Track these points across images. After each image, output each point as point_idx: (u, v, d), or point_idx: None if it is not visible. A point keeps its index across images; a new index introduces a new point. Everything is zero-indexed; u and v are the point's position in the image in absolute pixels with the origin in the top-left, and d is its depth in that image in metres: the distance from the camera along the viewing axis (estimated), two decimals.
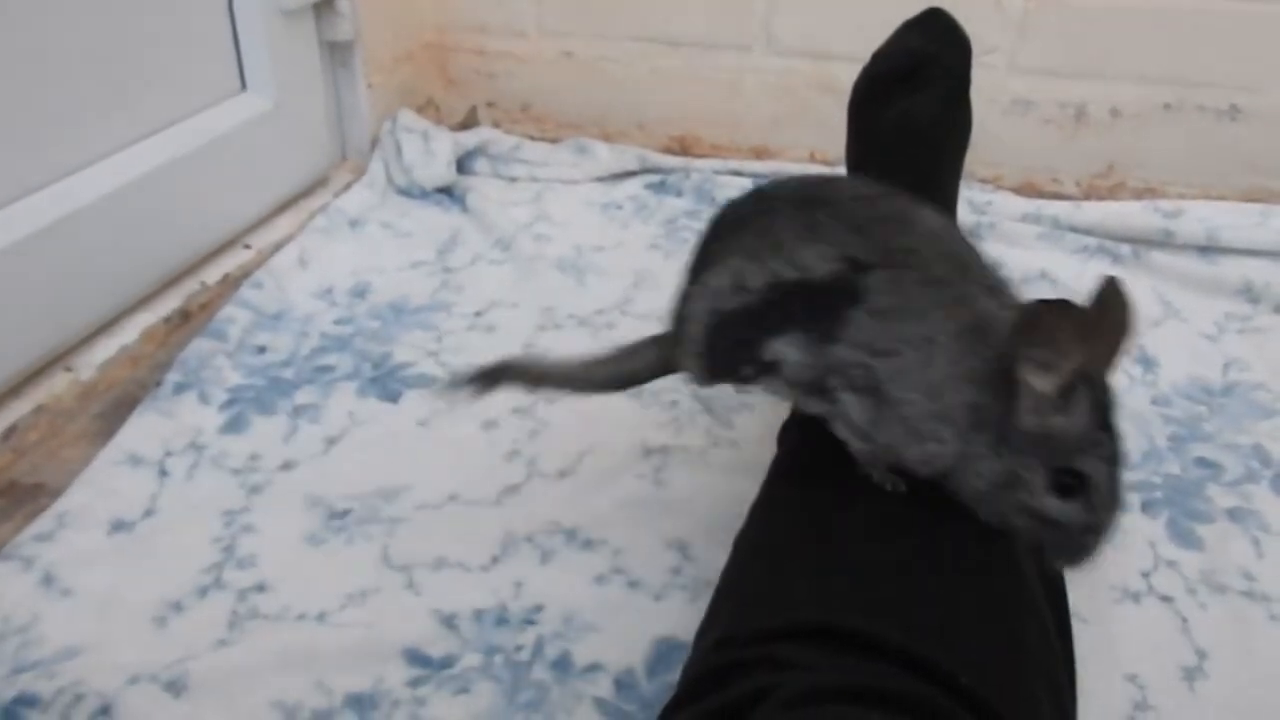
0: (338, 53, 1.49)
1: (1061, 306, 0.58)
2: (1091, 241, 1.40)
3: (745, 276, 0.70)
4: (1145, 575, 0.89)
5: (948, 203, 1.07)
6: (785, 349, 0.70)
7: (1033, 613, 0.65)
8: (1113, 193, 1.59)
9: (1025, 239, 1.42)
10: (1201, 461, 1.03)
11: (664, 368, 0.81)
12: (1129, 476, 1.00)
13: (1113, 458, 0.62)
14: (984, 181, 1.62)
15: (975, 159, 1.60)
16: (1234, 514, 0.96)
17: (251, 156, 1.30)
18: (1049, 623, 0.66)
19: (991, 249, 1.35)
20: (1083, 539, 0.63)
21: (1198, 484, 0.99)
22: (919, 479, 0.68)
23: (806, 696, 0.54)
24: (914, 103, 1.09)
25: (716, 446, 1.02)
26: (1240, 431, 1.07)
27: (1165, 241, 1.40)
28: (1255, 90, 1.50)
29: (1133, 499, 0.97)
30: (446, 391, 0.86)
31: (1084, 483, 0.62)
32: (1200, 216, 1.41)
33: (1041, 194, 1.59)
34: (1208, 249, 1.39)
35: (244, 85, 1.32)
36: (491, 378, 0.83)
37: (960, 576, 0.65)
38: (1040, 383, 0.61)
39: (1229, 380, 1.15)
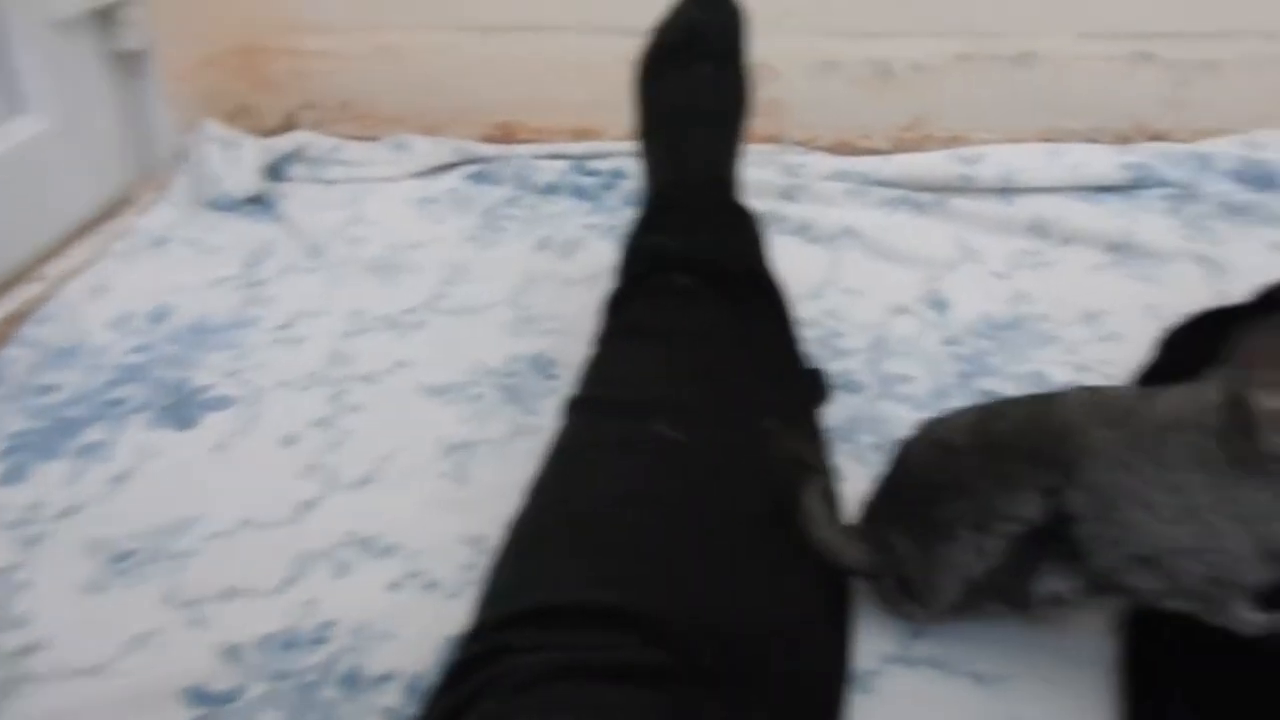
0: (128, 63, 1.44)
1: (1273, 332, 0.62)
2: (897, 194, 1.45)
3: (983, 544, 0.71)
4: None
5: (731, 171, 1.09)
6: (1055, 585, 0.71)
7: (786, 573, 0.67)
8: (921, 144, 1.63)
9: (834, 196, 1.45)
10: (986, 394, 1.07)
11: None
12: (920, 415, 1.04)
13: None
14: (800, 144, 1.65)
15: (790, 122, 1.64)
16: None
17: (33, 181, 1.26)
18: (812, 597, 0.68)
19: (803, 210, 1.39)
20: None
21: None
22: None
23: (535, 678, 0.54)
24: (692, 74, 1.11)
25: (521, 435, 1.03)
26: (1023, 361, 1.12)
27: (965, 187, 1.45)
28: (1041, 36, 1.55)
29: None
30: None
31: None
32: (998, 160, 1.47)
33: (855, 151, 1.63)
34: (1006, 190, 1.44)
35: (18, 105, 1.27)
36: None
37: (710, 550, 0.66)
38: (1273, 402, 0.62)
39: (1016, 314, 1.20)
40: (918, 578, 0.75)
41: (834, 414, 1.05)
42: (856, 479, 0.96)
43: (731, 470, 0.74)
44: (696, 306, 0.91)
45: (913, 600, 0.76)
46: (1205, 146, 1.52)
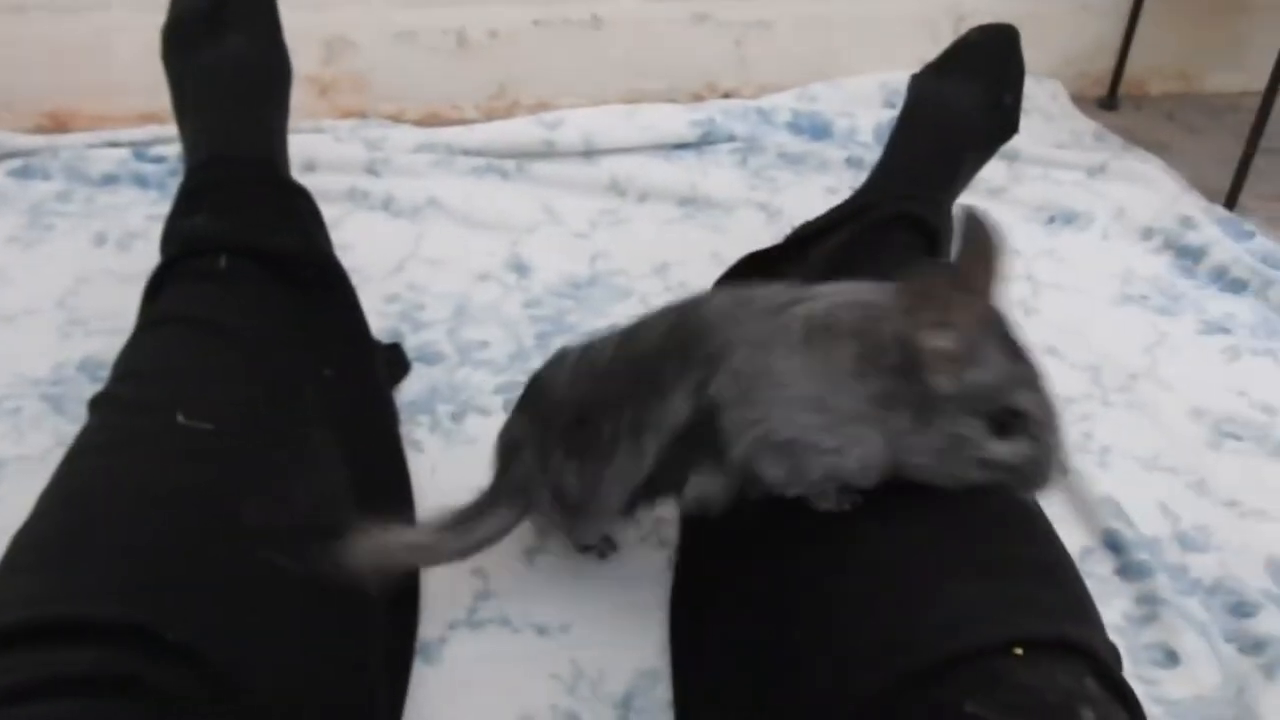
0: None
1: (932, 274, 0.62)
2: (481, 162, 1.44)
3: (641, 452, 0.70)
4: None
5: (275, 147, 1.04)
6: (704, 483, 0.70)
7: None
8: (510, 112, 1.65)
9: (420, 169, 1.43)
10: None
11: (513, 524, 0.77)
12: (498, 379, 1.05)
13: (1034, 382, 0.64)
14: (389, 118, 1.61)
15: (377, 96, 1.60)
16: None
17: None
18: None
19: (387, 184, 1.35)
20: (1037, 467, 0.65)
21: None
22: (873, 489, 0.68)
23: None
24: (223, 46, 1.04)
25: (62, 447, 0.93)
26: (600, 316, 1.15)
27: (548, 152, 1.47)
28: (612, 0, 1.60)
29: (496, 401, 1.01)
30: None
31: (1020, 416, 0.64)
32: (578, 124, 1.50)
33: (445, 122, 1.61)
34: (589, 153, 1.48)
35: None
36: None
37: (209, 559, 0.61)
38: (942, 342, 0.62)
39: (594, 271, 1.23)
40: (580, 500, 0.74)
41: (412, 386, 1.03)
42: (434, 450, 0.95)
43: (264, 464, 0.70)
44: (238, 289, 0.86)
45: (573, 517, 0.76)
46: (766, 102, 1.63)
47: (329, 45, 1.58)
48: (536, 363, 1.06)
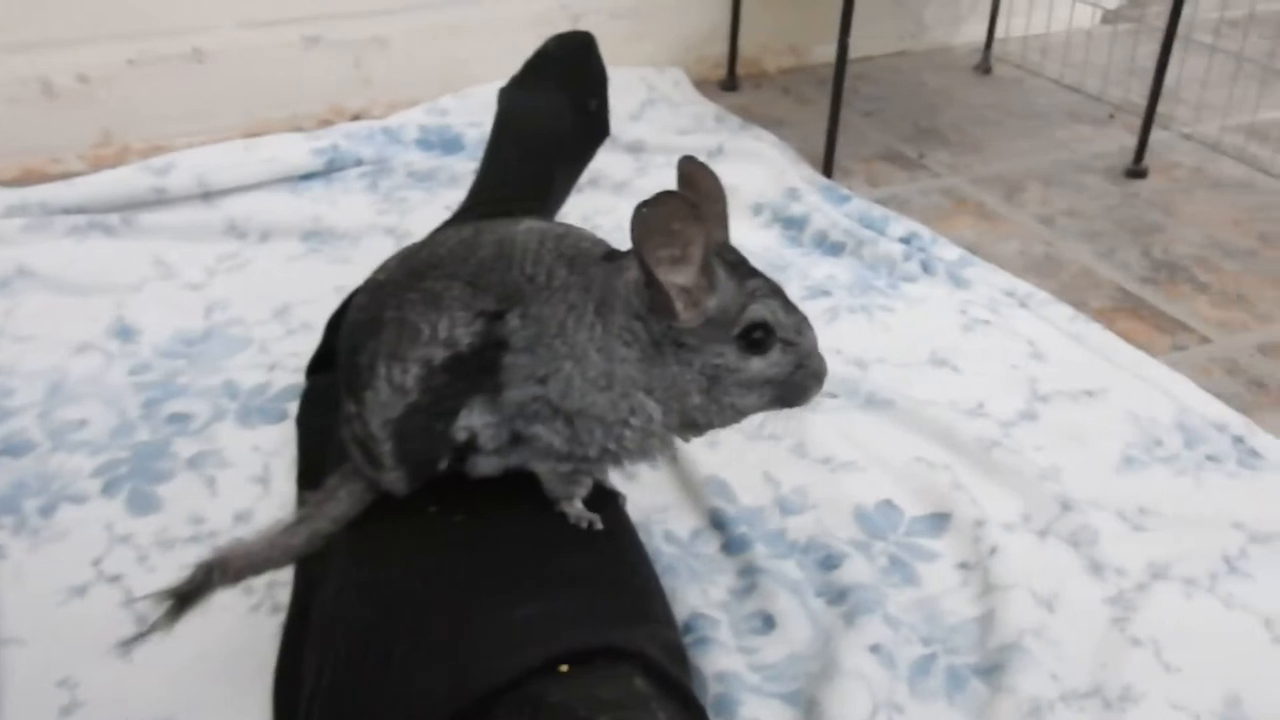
0: None
1: (661, 199, 0.60)
2: (82, 220, 1.35)
3: (399, 377, 0.67)
4: (96, 563, 0.87)
5: None
6: (472, 420, 0.68)
7: None
8: (121, 158, 1.55)
9: (9, 235, 1.31)
10: (173, 418, 1.03)
11: (365, 495, 0.73)
12: (96, 460, 0.98)
13: (770, 294, 0.66)
14: None
15: None
16: (195, 461, 0.98)
17: None
18: None
19: None
20: (804, 372, 0.66)
21: (165, 443, 1.00)
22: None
23: None
24: None
25: None
26: (214, 373, 1.10)
27: (160, 200, 1.39)
28: (203, 32, 1.53)
29: (94, 485, 0.95)
30: (149, 626, 0.68)
31: (765, 328, 0.65)
32: (191, 165, 1.43)
33: (47, 178, 1.49)
34: (208, 195, 1.41)
35: None
36: (196, 593, 0.69)
37: None
38: (680, 277, 0.62)
39: (210, 324, 1.18)
40: (363, 435, 0.70)
41: None
42: (17, 552, 0.88)
43: None
44: None
45: (373, 466, 0.71)
46: (394, 120, 1.61)
47: None
48: (144, 435, 1.02)
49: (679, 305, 0.64)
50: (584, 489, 0.73)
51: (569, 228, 0.73)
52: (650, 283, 0.63)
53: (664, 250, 0.62)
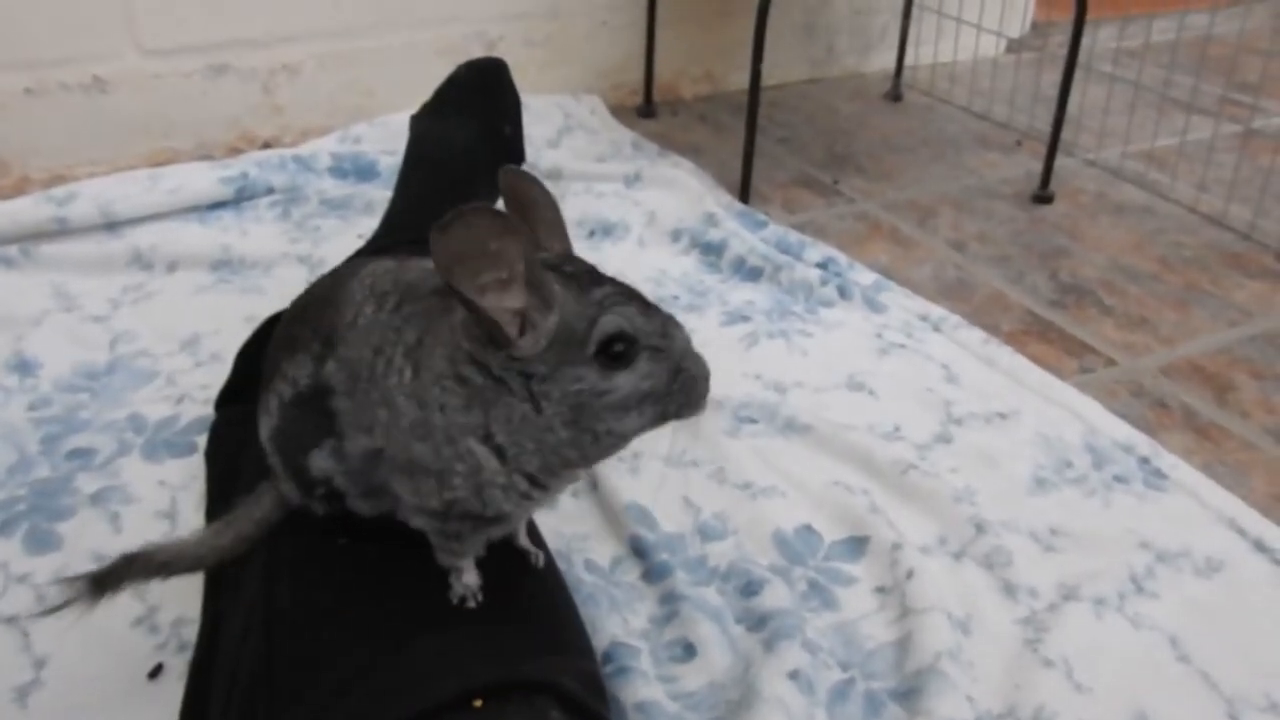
0: None
1: (465, 217, 0.52)
2: None
3: (270, 401, 0.67)
4: None
5: None
6: (323, 464, 0.65)
7: None
8: (20, 189, 1.50)
9: None
10: (75, 453, 1.00)
11: (280, 507, 0.72)
12: None
13: (623, 296, 0.58)
14: None
15: None
16: (98, 497, 0.95)
17: None
18: None
19: None
20: (685, 376, 0.58)
21: (66, 479, 0.97)
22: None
23: None
24: None
25: None
26: (120, 406, 1.07)
27: (61, 231, 1.34)
28: (104, 60, 1.49)
29: None
30: (62, 607, 0.67)
31: (627, 338, 0.57)
32: (94, 195, 1.38)
33: None
34: (113, 225, 1.37)
35: None
36: (112, 579, 0.68)
37: None
38: (508, 300, 0.55)
39: (114, 356, 1.15)
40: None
41: None
42: None
43: None
44: None
45: (273, 473, 0.72)
46: (306, 148, 1.59)
47: None
48: (44, 471, 0.98)
49: (512, 332, 0.56)
50: (473, 548, 0.66)
51: (411, 262, 0.66)
52: (474, 313, 0.56)
53: (484, 274, 0.54)
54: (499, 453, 0.59)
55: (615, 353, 0.57)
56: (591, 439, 0.59)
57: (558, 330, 0.57)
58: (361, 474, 0.65)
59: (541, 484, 0.61)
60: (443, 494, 0.61)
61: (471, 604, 0.65)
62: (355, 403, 0.62)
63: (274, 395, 0.68)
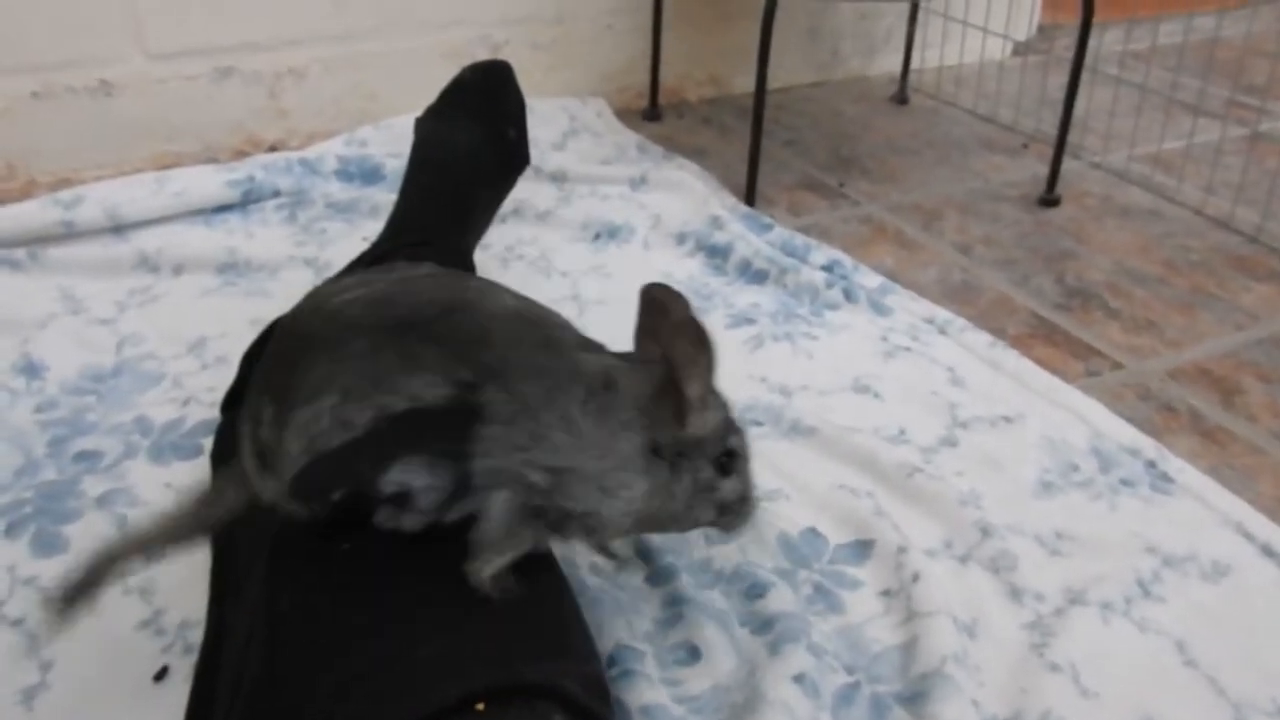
0: None
1: (698, 320, 0.65)
2: None
3: (352, 414, 0.64)
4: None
5: None
6: (408, 477, 0.65)
7: None
8: (27, 192, 1.50)
9: None
10: (81, 456, 1.00)
11: (248, 501, 0.71)
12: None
13: (737, 423, 0.72)
14: None
15: None
16: (104, 499, 0.95)
17: None
18: None
19: None
20: (747, 502, 0.74)
21: (73, 482, 0.97)
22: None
23: None
24: None
25: None
26: (126, 408, 1.07)
27: (68, 234, 1.35)
28: (110, 64, 1.50)
29: None
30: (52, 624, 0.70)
31: (736, 456, 0.72)
32: (100, 198, 1.39)
33: None
34: (119, 228, 1.37)
35: None
36: (89, 583, 0.70)
37: None
38: (695, 390, 0.67)
39: (121, 359, 1.15)
40: (271, 443, 0.67)
41: None
42: None
43: None
44: None
45: (264, 469, 0.68)
46: (312, 152, 1.59)
47: None
48: (50, 473, 0.98)
49: (691, 417, 0.68)
50: (523, 546, 0.69)
51: (537, 309, 0.73)
52: (671, 389, 0.67)
53: (695, 364, 0.67)
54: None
55: (723, 463, 0.71)
56: (688, 517, 0.72)
57: (709, 429, 0.70)
58: (467, 492, 0.67)
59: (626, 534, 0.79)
60: (587, 504, 0.69)
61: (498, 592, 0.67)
62: (517, 427, 0.66)
63: (368, 408, 0.65)
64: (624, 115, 1.86)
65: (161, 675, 0.78)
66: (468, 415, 0.65)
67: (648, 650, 0.82)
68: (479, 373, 0.66)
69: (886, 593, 0.89)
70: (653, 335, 0.71)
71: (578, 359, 0.69)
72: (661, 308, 0.69)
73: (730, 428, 0.71)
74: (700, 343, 0.66)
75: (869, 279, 1.36)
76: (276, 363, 0.70)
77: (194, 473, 0.98)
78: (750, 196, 1.56)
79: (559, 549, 0.80)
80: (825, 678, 0.80)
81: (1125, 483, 1.03)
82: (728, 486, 0.72)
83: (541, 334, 0.70)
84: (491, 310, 0.70)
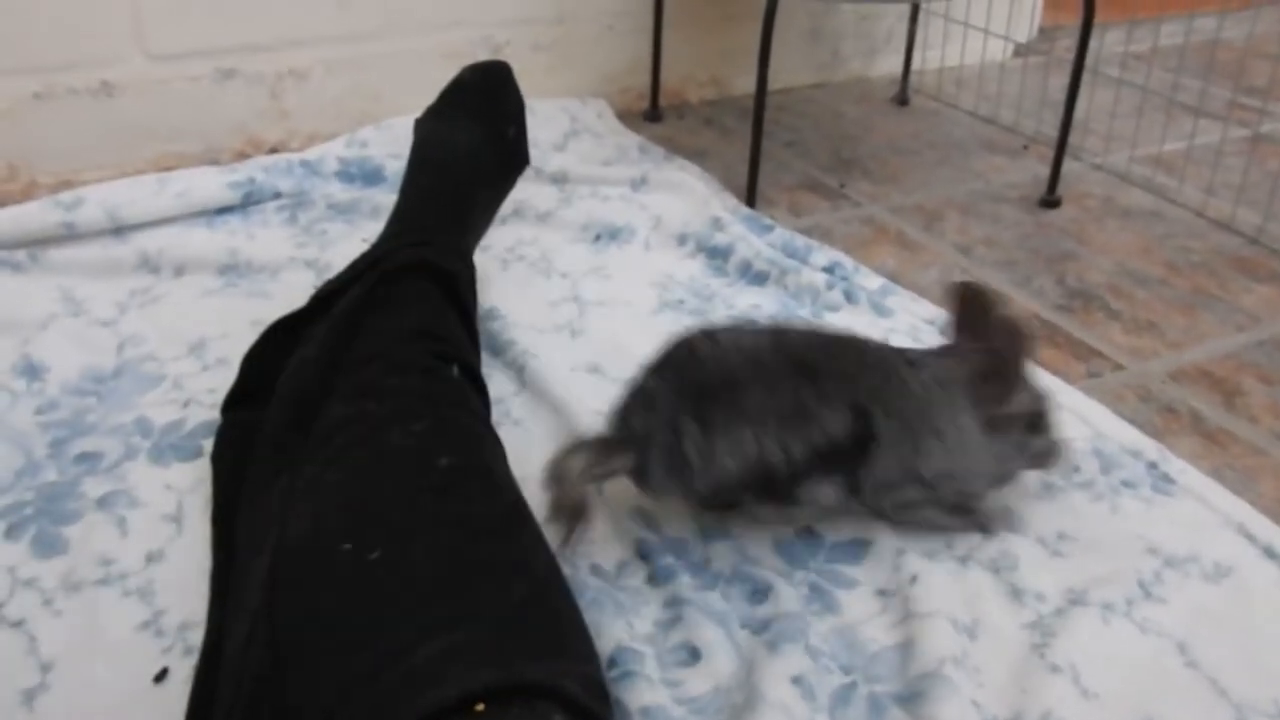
0: None
1: (1009, 317, 0.88)
2: None
3: (785, 439, 0.83)
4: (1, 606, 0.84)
5: None
6: (825, 492, 0.87)
7: None
8: (28, 193, 1.51)
9: None
10: (81, 457, 1.00)
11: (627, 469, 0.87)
12: (1, 501, 0.95)
13: (1044, 394, 0.92)
14: None
15: None
16: (104, 501, 0.95)
17: None
18: None
19: None
20: (1056, 450, 0.94)
21: (73, 483, 0.97)
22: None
23: None
24: None
25: None
26: (126, 410, 1.07)
27: (69, 235, 1.35)
28: (112, 65, 1.50)
29: None
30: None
31: (1044, 418, 0.92)
32: (101, 200, 1.39)
33: None
34: (120, 230, 1.37)
35: None
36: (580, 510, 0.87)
37: None
38: (1018, 375, 0.88)
39: (121, 360, 1.15)
40: (695, 456, 0.83)
41: None
42: None
43: None
44: None
45: (681, 476, 0.84)
46: (312, 153, 1.59)
47: None
48: (50, 474, 0.98)
49: (1015, 395, 0.88)
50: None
51: (847, 333, 0.92)
52: (993, 375, 0.86)
53: (1018, 354, 0.87)
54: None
55: (1034, 423, 0.92)
56: (1013, 474, 0.95)
57: (1026, 402, 0.90)
58: (867, 493, 0.89)
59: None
60: (964, 486, 0.92)
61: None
62: (900, 438, 0.85)
63: (798, 438, 0.83)
64: (625, 116, 1.86)
65: (161, 676, 0.78)
66: (866, 442, 0.84)
67: (648, 651, 0.82)
68: (864, 396, 0.84)
69: (883, 592, 0.89)
70: (971, 329, 0.90)
71: (923, 371, 0.86)
72: (981, 305, 0.88)
73: (1037, 398, 0.89)
74: (1019, 335, 0.86)
75: (870, 280, 1.36)
76: (698, 391, 0.84)
77: (194, 474, 0.98)
78: (751, 198, 1.56)
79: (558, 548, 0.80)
80: (822, 678, 0.80)
81: (1127, 484, 1.03)
82: (1039, 443, 0.90)
83: (878, 357, 0.87)
84: (846, 343, 0.89)
